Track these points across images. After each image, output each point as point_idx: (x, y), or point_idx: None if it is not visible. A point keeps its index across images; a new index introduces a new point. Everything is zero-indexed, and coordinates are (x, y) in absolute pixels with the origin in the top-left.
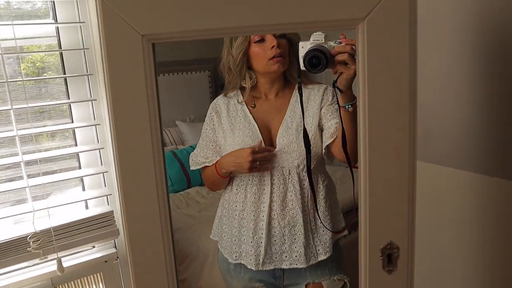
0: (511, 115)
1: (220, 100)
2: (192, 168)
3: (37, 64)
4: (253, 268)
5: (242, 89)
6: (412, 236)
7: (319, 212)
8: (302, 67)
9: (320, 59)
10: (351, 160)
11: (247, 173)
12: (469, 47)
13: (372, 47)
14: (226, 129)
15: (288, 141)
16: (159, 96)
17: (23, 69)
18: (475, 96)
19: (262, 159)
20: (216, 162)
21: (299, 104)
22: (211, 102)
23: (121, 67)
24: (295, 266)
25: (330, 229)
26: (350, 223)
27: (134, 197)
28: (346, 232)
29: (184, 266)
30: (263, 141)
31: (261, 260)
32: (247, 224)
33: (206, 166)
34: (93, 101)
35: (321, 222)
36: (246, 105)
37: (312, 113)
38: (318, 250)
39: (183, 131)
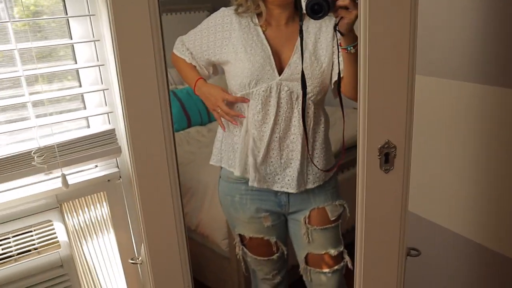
0: (510, 27)
1: (231, 13)
2: (174, 51)
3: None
4: (255, 185)
5: (258, 13)
6: (410, 135)
7: (316, 144)
8: (304, 11)
9: (322, 6)
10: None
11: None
12: None
13: None
14: (236, 44)
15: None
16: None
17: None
18: (478, 8)
19: (226, 112)
20: (197, 79)
21: (310, 34)
22: None
23: None
24: (285, 190)
25: (319, 167)
26: (338, 163)
27: (139, 117)
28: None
29: (185, 201)
30: (274, 65)
31: (256, 178)
32: (247, 143)
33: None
34: (91, 17)
35: (310, 155)
36: (260, 27)
37: (325, 44)
38: (309, 179)
39: None
